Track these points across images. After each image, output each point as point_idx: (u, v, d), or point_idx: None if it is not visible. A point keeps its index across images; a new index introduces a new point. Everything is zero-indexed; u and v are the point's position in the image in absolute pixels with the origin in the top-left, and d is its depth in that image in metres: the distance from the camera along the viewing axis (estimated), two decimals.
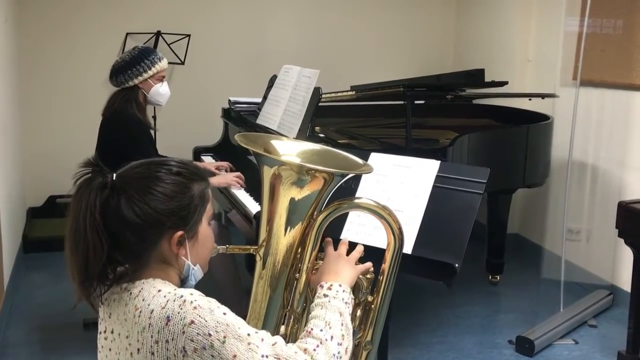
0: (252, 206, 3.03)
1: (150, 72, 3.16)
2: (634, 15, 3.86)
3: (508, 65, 4.86)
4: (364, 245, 1.56)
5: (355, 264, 1.51)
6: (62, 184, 4.95)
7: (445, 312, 3.81)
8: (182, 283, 1.37)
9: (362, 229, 2.16)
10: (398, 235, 1.51)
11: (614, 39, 4.00)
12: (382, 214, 1.50)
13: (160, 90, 3.25)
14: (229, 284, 3.27)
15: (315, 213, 1.50)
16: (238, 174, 3.34)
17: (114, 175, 1.31)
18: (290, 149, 1.56)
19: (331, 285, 1.42)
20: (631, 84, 3.87)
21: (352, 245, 1.55)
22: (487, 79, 4.23)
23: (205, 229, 1.38)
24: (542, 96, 4.19)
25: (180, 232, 1.31)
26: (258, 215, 2.85)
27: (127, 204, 1.27)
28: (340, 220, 2.12)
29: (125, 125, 3.14)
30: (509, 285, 4.22)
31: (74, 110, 4.94)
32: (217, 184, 3.31)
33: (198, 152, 4.09)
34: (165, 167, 1.33)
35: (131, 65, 3.13)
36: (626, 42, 3.91)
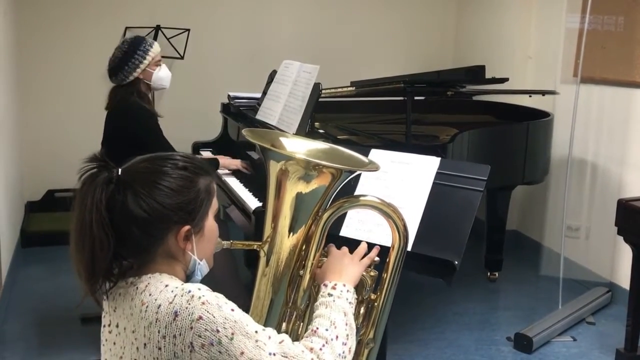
0: (251, 202, 3.02)
1: (146, 62, 3.15)
2: (635, 12, 3.86)
3: (509, 61, 4.86)
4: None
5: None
6: (61, 178, 4.99)
7: (444, 308, 3.81)
8: (188, 278, 1.36)
9: (362, 225, 2.15)
10: (403, 233, 1.50)
11: (615, 36, 4.00)
12: (388, 211, 1.50)
13: (161, 75, 3.25)
14: (227, 279, 3.27)
15: (320, 210, 1.49)
16: (245, 162, 3.39)
17: (120, 170, 1.29)
18: (297, 147, 1.55)
19: (335, 284, 1.42)
20: (632, 81, 3.87)
21: (355, 244, 1.54)
22: (488, 75, 4.23)
23: (211, 223, 1.37)
24: (543, 93, 4.19)
25: (187, 227, 1.30)
26: (257, 211, 2.85)
27: (134, 199, 1.26)
28: (340, 217, 2.12)
29: (136, 117, 3.13)
30: (508, 282, 4.23)
31: (73, 104, 4.92)
32: (228, 164, 3.38)
33: (197, 147, 4.07)
34: (171, 162, 1.32)
35: (126, 60, 3.12)
36: (627, 39, 3.90)
